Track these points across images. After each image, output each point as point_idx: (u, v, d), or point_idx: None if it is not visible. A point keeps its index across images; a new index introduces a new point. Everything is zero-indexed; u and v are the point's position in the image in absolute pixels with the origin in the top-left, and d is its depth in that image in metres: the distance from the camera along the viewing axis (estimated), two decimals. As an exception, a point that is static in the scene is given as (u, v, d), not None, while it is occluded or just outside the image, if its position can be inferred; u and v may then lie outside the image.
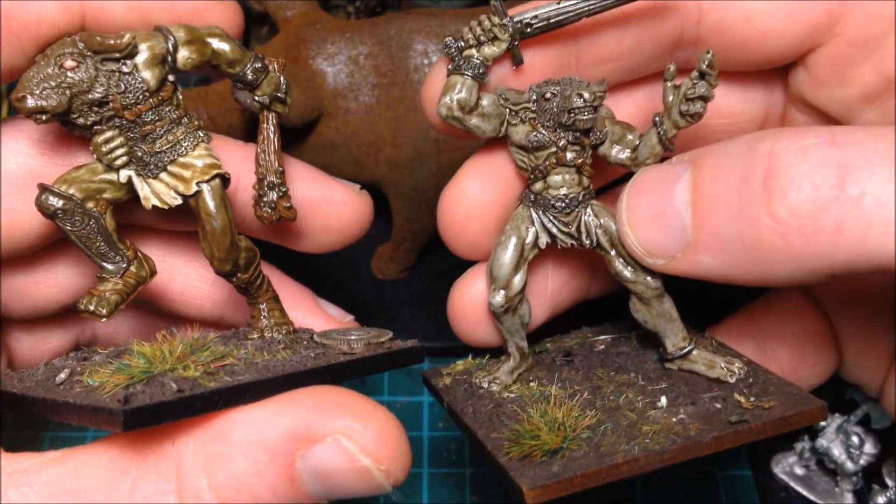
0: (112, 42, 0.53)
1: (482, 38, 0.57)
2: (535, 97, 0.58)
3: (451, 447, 0.85)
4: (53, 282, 0.64)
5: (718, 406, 0.56)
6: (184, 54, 0.56)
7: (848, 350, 0.68)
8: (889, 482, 0.78)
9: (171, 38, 0.55)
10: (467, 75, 0.57)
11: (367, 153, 0.85)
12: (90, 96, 0.54)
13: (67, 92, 0.53)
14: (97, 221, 0.56)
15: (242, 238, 0.59)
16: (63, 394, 0.51)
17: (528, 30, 0.58)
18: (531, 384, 0.61)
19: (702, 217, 0.52)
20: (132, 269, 0.57)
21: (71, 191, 0.54)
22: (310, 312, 0.67)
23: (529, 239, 0.60)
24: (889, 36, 0.57)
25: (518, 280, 0.60)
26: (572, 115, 0.57)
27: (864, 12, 0.58)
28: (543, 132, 0.58)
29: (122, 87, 0.54)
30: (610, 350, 0.66)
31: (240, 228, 0.60)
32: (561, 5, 0.57)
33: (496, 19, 0.57)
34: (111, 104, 0.54)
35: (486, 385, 0.61)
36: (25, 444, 0.85)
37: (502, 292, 0.60)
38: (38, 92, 0.52)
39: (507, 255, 0.60)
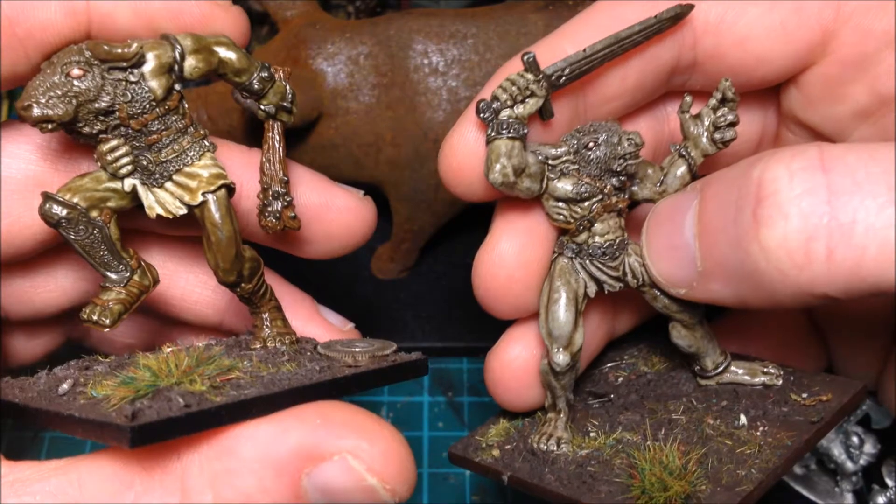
0: (119, 51, 0.53)
1: (518, 97, 0.55)
2: (574, 148, 0.57)
3: (451, 447, 0.85)
4: (53, 286, 0.64)
5: (786, 410, 0.58)
6: (191, 63, 0.55)
7: (836, 350, 0.68)
8: (889, 482, 0.78)
9: (178, 46, 0.55)
10: (514, 138, 0.55)
11: (367, 153, 0.85)
12: (96, 105, 0.53)
13: (74, 101, 0.52)
14: (101, 231, 0.55)
15: (247, 248, 0.58)
16: (67, 406, 0.50)
17: (561, 81, 0.56)
18: (592, 435, 0.60)
19: (707, 248, 0.52)
20: (135, 278, 0.57)
21: (75, 200, 0.54)
22: (310, 320, 0.67)
23: (581, 290, 0.59)
24: (882, 53, 0.56)
25: (579, 336, 0.59)
26: (624, 160, 0.56)
27: (856, 30, 0.57)
28: (588, 181, 0.57)
29: (129, 96, 0.54)
30: (633, 382, 0.65)
31: (243, 234, 0.59)
32: (588, 52, 0.56)
33: (530, 76, 0.56)
34: (117, 113, 0.54)
35: (554, 448, 0.59)
36: (26, 444, 0.85)
37: (566, 351, 0.58)
38: (44, 101, 0.52)
39: (565, 312, 0.58)
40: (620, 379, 0.66)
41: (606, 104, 0.60)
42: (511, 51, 0.81)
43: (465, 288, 0.92)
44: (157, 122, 0.55)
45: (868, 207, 0.45)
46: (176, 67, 0.55)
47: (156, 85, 0.54)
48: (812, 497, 0.79)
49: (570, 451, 0.59)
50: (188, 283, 0.66)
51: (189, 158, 0.56)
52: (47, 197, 0.54)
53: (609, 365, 0.67)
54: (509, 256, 0.60)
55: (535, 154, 0.57)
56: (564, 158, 0.57)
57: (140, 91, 0.54)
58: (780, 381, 0.60)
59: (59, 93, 0.52)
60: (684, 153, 0.58)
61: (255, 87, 0.58)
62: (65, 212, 0.54)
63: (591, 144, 0.56)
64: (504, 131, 0.55)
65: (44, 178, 0.58)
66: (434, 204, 0.87)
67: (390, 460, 0.48)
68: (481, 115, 0.56)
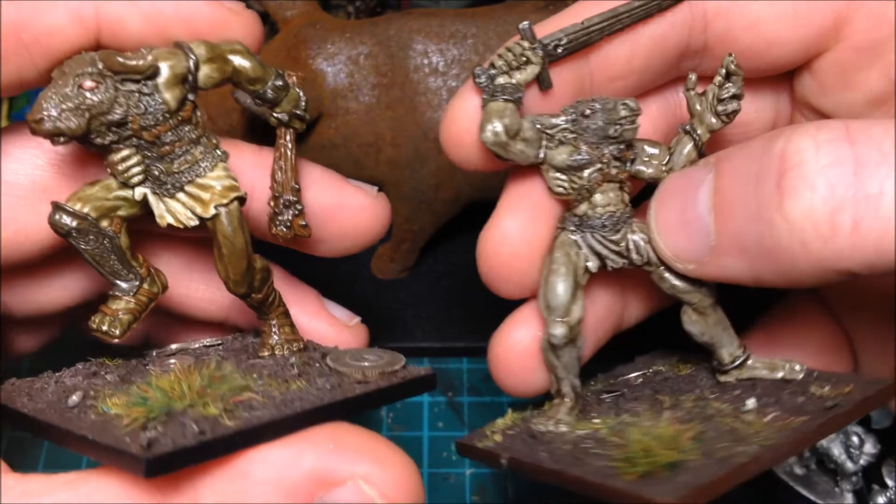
0: (134, 63, 0.52)
1: (514, 63, 0.56)
2: (573, 116, 0.57)
3: (451, 447, 0.85)
4: (58, 285, 0.63)
5: (802, 399, 0.56)
6: (205, 72, 0.54)
7: (863, 356, 0.67)
8: (889, 482, 0.78)
9: (193, 56, 0.53)
10: (508, 100, 0.56)
11: (367, 153, 0.85)
12: (109, 118, 0.52)
13: (86, 114, 0.51)
14: (111, 241, 0.55)
15: (257, 258, 0.58)
16: (78, 423, 0.50)
17: (558, 51, 0.57)
18: (595, 421, 0.58)
19: (723, 221, 0.51)
20: (144, 286, 0.57)
21: (85, 209, 0.53)
22: (316, 315, 0.67)
23: (581, 263, 0.58)
24: None
25: (577, 308, 0.58)
26: (619, 125, 0.56)
27: (869, 16, 0.57)
28: (585, 150, 0.57)
29: (142, 108, 0.53)
30: (651, 381, 0.64)
31: (254, 236, 0.59)
32: (585, 24, 0.57)
33: (526, 43, 0.56)
34: (130, 125, 0.53)
35: (552, 428, 0.58)
36: (26, 443, 0.85)
37: (563, 323, 0.58)
38: (56, 114, 0.51)
39: (563, 283, 0.58)
40: (640, 381, 0.65)
41: (612, 83, 0.60)
42: (511, 51, 0.81)
43: (465, 288, 0.93)
44: (169, 134, 0.54)
45: (894, 178, 0.45)
46: (190, 77, 0.54)
47: (169, 96, 0.53)
48: (812, 497, 0.79)
49: (569, 432, 0.58)
50: (193, 281, 0.66)
51: (202, 169, 0.55)
52: (57, 207, 0.53)
53: (634, 374, 0.66)
54: (513, 234, 0.59)
55: (532, 123, 0.57)
56: (563, 127, 0.57)
57: (153, 103, 0.53)
58: (801, 376, 0.59)
59: (72, 105, 0.51)
60: (689, 130, 0.58)
61: (269, 95, 0.58)
62: (75, 222, 0.53)
63: (588, 112, 0.56)
64: (498, 94, 0.56)
65: (50, 183, 0.57)
66: (434, 204, 0.87)
67: (401, 486, 0.48)
68: (477, 80, 0.56)
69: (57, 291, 0.63)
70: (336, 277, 0.93)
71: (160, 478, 0.47)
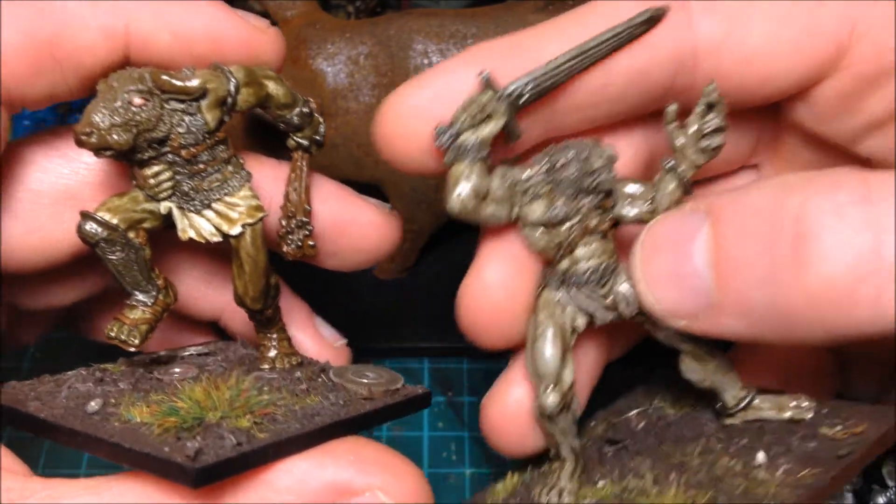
0: (183, 85, 0.53)
1: (477, 117, 0.52)
2: (545, 167, 0.53)
3: (451, 447, 0.85)
4: (70, 282, 0.64)
5: (813, 445, 0.53)
6: (242, 96, 0.55)
7: (853, 373, 0.66)
8: (889, 482, 0.78)
9: (234, 80, 0.54)
10: (473, 161, 0.52)
11: (367, 153, 0.85)
12: (153, 135, 0.53)
13: (134, 130, 0.52)
14: (137, 253, 0.55)
15: (273, 275, 0.59)
16: (103, 429, 0.50)
17: (522, 100, 0.52)
18: (599, 484, 0.56)
19: (726, 280, 0.48)
20: (160, 296, 0.57)
21: (115, 221, 0.54)
22: (303, 330, 0.67)
23: (568, 324, 0.55)
24: None
25: (568, 372, 0.55)
26: (595, 175, 0.53)
27: (874, 46, 0.53)
28: (561, 203, 0.53)
29: (185, 127, 0.54)
30: (653, 425, 0.61)
31: (268, 247, 0.60)
32: (550, 66, 0.52)
33: (488, 95, 0.52)
34: (170, 142, 0.54)
35: (555, 500, 0.55)
36: (26, 444, 0.85)
37: (555, 391, 0.54)
38: (105, 128, 0.52)
39: (551, 348, 0.54)
40: (642, 424, 0.61)
41: (581, 111, 0.55)
42: (511, 51, 0.81)
43: (464, 288, 0.92)
44: (205, 153, 0.55)
45: None
46: (229, 100, 0.54)
47: (210, 117, 0.54)
48: (812, 497, 0.79)
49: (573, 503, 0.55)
50: (192, 280, 0.66)
51: (230, 188, 0.56)
52: (87, 216, 0.54)
53: (636, 411, 0.63)
54: (495, 288, 0.57)
55: (503, 178, 0.54)
56: (535, 180, 0.54)
57: (195, 123, 0.54)
58: (810, 415, 0.55)
59: (120, 121, 0.52)
60: (672, 168, 0.54)
61: (295, 122, 0.59)
62: (105, 233, 0.54)
63: (562, 162, 0.53)
64: (462, 155, 0.52)
65: (75, 191, 0.58)
66: (434, 204, 0.87)
67: (415, 496, 0.50)
68: (439, 140, 0.52)
69: (68, 288, 0.64)
70: (336, 277, 0.93)
71: (183, 485, 0.47)
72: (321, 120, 0.60)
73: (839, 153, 0.59)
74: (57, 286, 0.64)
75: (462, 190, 0.52)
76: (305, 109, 0.58)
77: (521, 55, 0.53)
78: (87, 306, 0.68)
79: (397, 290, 0.94)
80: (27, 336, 0.69)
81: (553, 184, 0.53)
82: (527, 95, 0.52)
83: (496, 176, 0.54)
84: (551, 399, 0.54)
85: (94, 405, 0.53)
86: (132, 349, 0.56)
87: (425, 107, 0.54)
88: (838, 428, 0.54)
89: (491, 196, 0.53)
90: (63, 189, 0.58)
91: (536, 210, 0.54)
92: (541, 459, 0.60)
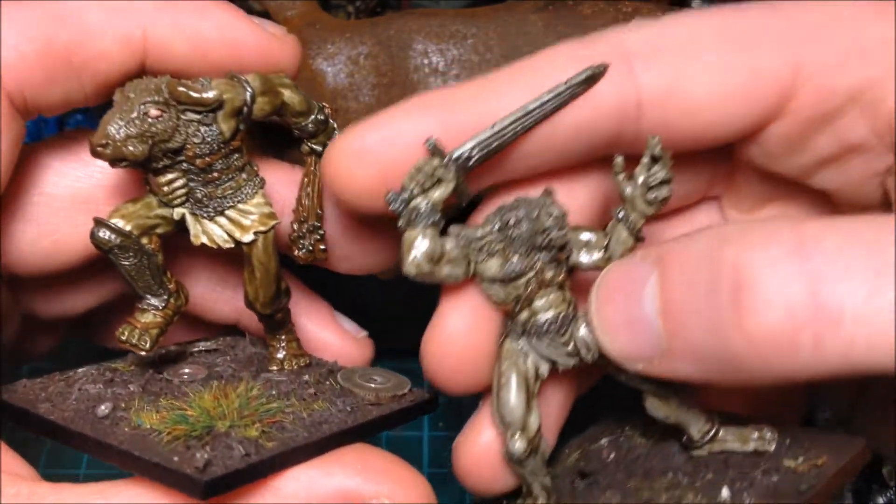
0: (200, 96, 0.53)
1: (426, 183, 0.54)
2: (497, 226, 0.55)
3: (451, 447, 0.85)
4: (85, 289, 0.64)
5: (776, 479, 0.54)
6: (258, 105, 0.56)
7: (820, 393, 0.67)
8: (889, 482, 0.78)
9: (250, 89, 0.55)
10: (426, 226, 0.54)
11: (368, 153, 0.85)
12: (168, 145, 0.53)
13: (150, 141, 0.52)
14: (150, 259, 0.56)
15: (284, 280, 0.60)
16: (114, 434, 0.51)
17: (470, 163, 0.55)
18: None
19: (673, 328, 0.49)
20: (171, 300, 0.58)
21: (128, 227, 0.54)
22: (326, 326, 0.68)
23: (531, 372, 0.57)
24: (846, 107, 0.54)
25: (534, 419, 0.56)
26: (546, 234, 0.54)
27: (818, 90, 0.54)
28: (516, 260, 0.55)
29: (200, 137, 0.54)
30: (623, 457, 0.62)
31: (279, 250, 0.61)
32: (496, 128, 0.54)
33: (436, 161, 0.54)
34: (185, 152, 0.54)
35: None
36: (26, 445, 0.85)
37: (521, 437, 0.56)
38: (121, 140, 0.52)
39: (515, 397, 0.56)
40: (612, 455, 0.63)
41: (526, 160, 0.57)
42: (511, 51, 0.81)
43: (465, 288, 0.92)
44: (220, 162, 0.55)
45: (855, 294, 0.43)
46: (245, 110, 0.55)
47: (225, 127, 0.54)
48: (812, 496, 0.79)
49: None
50: (210, 282, 0.67)
51: (244, 196, 0.57)
52: (100, 223, 0.54)
53: (606, 440, 0.64)
54: (457, 339, 0.59)
55: (457, 238, 0.55)
56: (489, 238, 0.55)
57: (210, 133, 0.54)
58: (773, 447, 0.57)
59: (136, 132, 0.52)
60: (623, 218, 0.55)
61: (310, 129, 0.60)
62: (119, 239, 0.54)
63: (512, 221, 0.54)
64: (415, 220, 0.54)
65: (89, 195, 0.58)
66: (434, 204, 0.87)
67: None
68: (391, 206, 0.54)
69: (83, 295, 0.64)
70: (336, 277, 0.93)
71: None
72: (335, 126, 0.61)
73: (794, 184, 0.60)
74: (71, 292, 0.64)
75: (416, 254, 0.54)
76: (321, 116, 0.59)
77: (466, 107, 0.55)
78: (103, 313, 0.68)
79: (397, 290, 0.94)
80: (42, 347, 0.69)
81: (506, 241, 0.55)
82: (474, 158, 0.54)
83: (450, 237, 0.55)
84: (518, 445, 0.56)
85: (104, 409, 0.53)
86: (143, 353, 0.57)
87: (374, 149, 0.55)
88: (800, 459, 0.55)
89: (447, 257, 0.55)
90: (78, 192, 0.58)
91: (492, 267, 0.55)
92: (515, 493, 0.61)
